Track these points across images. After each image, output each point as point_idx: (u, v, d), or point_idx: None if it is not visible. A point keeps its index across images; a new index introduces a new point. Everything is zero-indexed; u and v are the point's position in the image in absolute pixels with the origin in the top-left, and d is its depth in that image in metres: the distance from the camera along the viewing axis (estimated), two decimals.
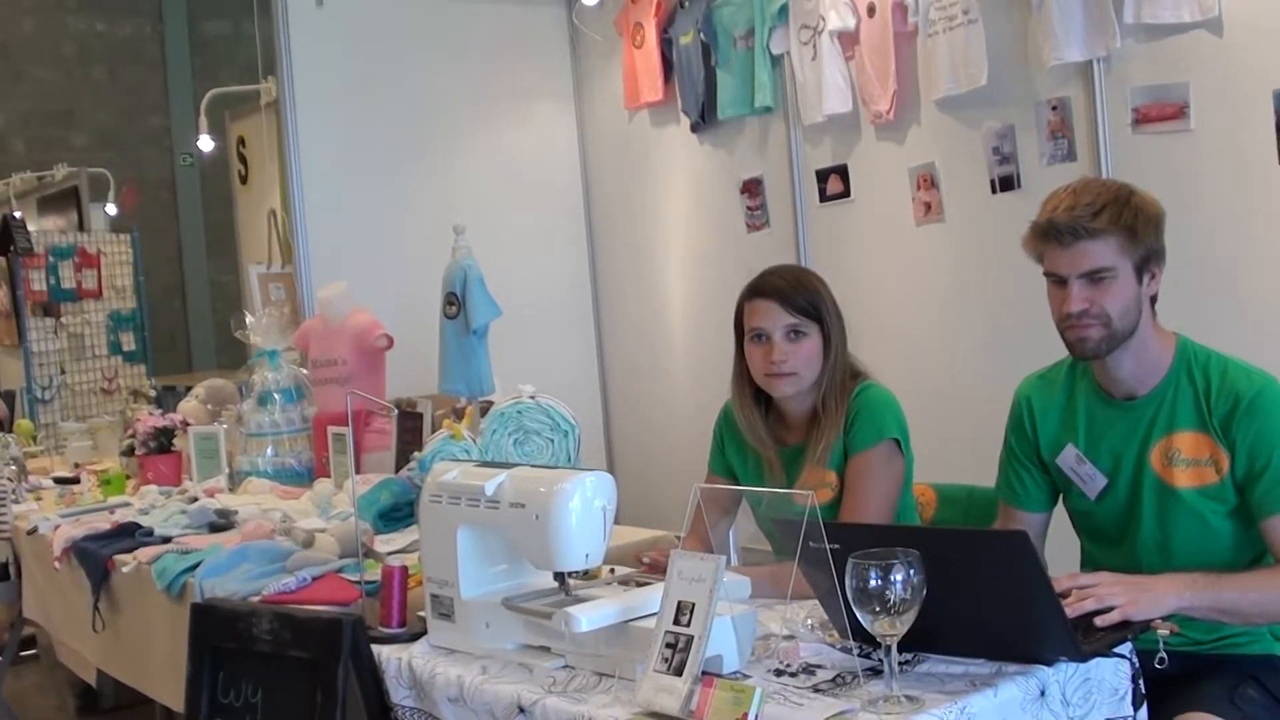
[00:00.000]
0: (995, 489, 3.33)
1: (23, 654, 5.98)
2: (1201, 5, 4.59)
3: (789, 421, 3.51)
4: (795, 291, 3.40)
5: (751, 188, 6.37)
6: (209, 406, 5.77)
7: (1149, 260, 2.96)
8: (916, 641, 2.39)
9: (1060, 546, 3.26)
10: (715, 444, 3.68)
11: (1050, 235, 2.95)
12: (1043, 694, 2.42)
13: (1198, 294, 4.52)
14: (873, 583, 2.26)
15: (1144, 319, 2.98)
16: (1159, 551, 3.00)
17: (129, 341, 8.68)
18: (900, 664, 2.42)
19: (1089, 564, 3.18)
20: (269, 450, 5.19)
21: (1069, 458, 3.13)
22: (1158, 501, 3.00)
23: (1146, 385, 3.02)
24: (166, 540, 4.23)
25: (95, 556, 4.27)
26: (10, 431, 6.72)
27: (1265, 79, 4.50)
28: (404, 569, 3.13)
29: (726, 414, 3.63)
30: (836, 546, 2.38)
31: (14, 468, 5.51)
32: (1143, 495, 3.01)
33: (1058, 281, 2.98)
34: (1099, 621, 2.61)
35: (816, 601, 2.68)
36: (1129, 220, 2.91)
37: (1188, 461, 2.96)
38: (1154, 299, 3.01)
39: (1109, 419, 3.07)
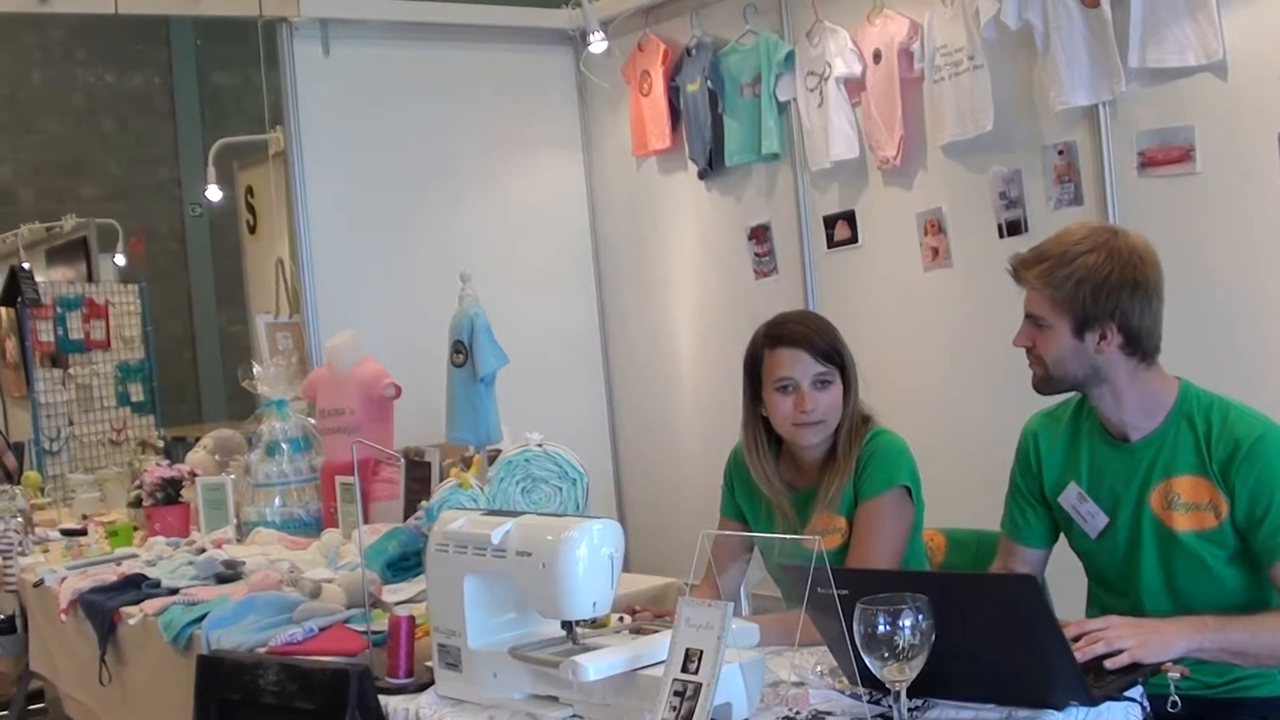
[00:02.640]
0: (1001, 524, 3.32)
1: (30, 708, 5.95)
2: (1206, 49, 4.60)
3: (800, 466, 3.49)
4: (820, 339, 3.39)
5: (759, 234, 6.38)
6: (217, 457, 5.77)
7: (1089, 322, 2.94)
8: (926, 687, 2.38)
9: (1068, 589, 3.24)
10: (725, 488, 3.67)
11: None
12: None
13: (1203, 336, 4.52)
14: (881, 628, 2.24)
15: (1111, 369, 2.97)
16: (1165, 593, 2.99)
17: (137, 392, 8.69)
18: (910, 710, 2.40)
19: (1096, 606, 3.17)
20: (277, 500, 5.18)
21: (1071, 496, 3.12)
22: (1159, 544, 2.99)
23: (1143, 429, 3.01)
24: (173, 592, 4.22)
25: (102, 609, 4.26)
26: (18, 483, 6.71)
27: (1270, 121, 4.51)
28: (411, 619, 3.11)
29: (736, 458, 3.62)
30: (845, 592, 2.37)
31: (20, 520, 5.50)
32: (1143, 537, 3.01)
33: None
34: (1109, 664, 2.59)
35: (826, 647, 2.66)
36: (1058, 281, 2.95)
37: (1187, 506, 2.95)
38: (1140, 351, 2.97)
39: (1110, 459, 3.07)
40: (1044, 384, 3.06)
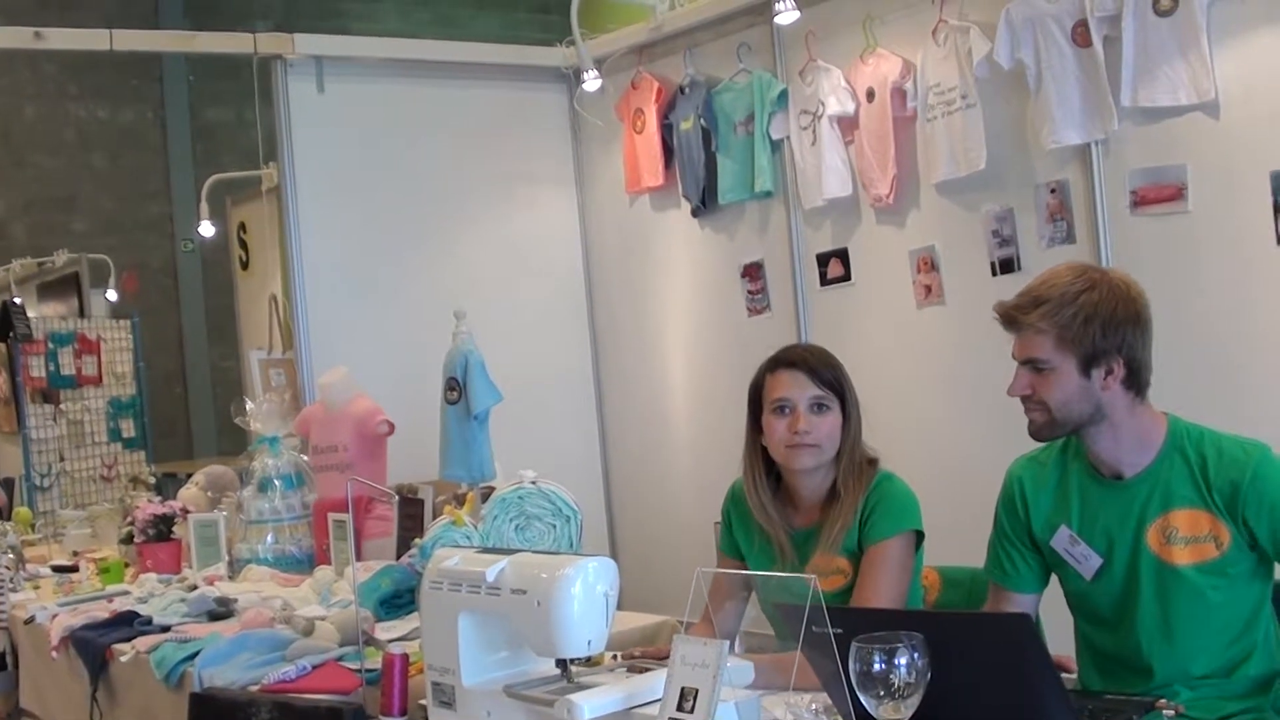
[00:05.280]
0: (984, 570, 3.31)
1: None
2: (1198, 88, 4.62)
3: (799, 504, 3.48)
4: (821, 365, 3.43)
5: (752, 271, 6.39)
6: (209, 493, 5.75)
7: (1097, 358, 2.95)
8: None
9: (1056, 626, 3.24)
10: (723, 525, 3.65)
11: (999, 320, 3.06)
12: None
13: (1195, 373, 4.53)
14: (877, 667, 2.23)
15: (1112, 406, 2.98)
16: (1160, 629, 2.99)
17: (129, 428, 8.64)
18: None
19: (1085, 644, 3.17)
20: (269, 537, 5.16)
21: (1062, 539, 3.12)
22: (1157, 581, 2.98)
23: (1136, 466, 3.02)
24: (165, 629, 4.20)
25: (93, 646, 4.24)
26: (9, 519, 6.68)
27: (1262, 160, 4.53)
28: (405, 657, 3.10)
29: (734, 494, 3.61)
30: (840, 631, 2.36)
31: (11, 556, 5.47)
32: (1140, 575, 3.00)
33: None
34: None
35: (820, 688, 2.65)
36: (1066, 320, 2.95)
37: (1186, 539, 2.95)
38: (1138, 385, 2.99)
39: (1102, 499, 3.06)
40: (1046, 429, 3.04)
